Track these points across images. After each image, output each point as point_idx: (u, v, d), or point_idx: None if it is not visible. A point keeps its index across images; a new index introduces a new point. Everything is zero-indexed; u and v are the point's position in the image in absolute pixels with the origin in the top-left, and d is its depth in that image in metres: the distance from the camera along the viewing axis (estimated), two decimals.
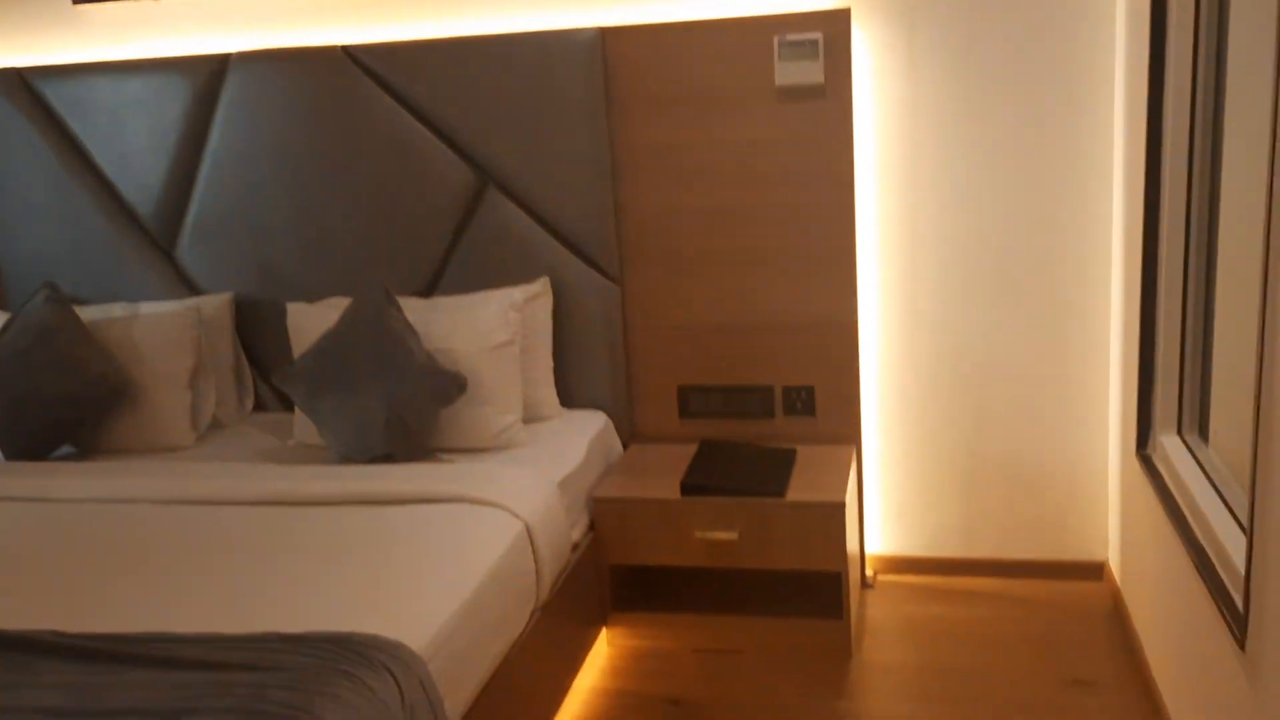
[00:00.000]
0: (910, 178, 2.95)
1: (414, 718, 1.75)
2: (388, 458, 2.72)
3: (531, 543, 2.38)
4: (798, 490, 2.71)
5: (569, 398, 3.12)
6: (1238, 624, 1.85)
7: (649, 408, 3.13)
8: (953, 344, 3.03)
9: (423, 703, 1.78)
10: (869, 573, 3.17)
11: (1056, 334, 2.96)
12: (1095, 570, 3.07)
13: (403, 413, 2.69)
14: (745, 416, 3.07)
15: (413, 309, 2.91)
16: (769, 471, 2.79)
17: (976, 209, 2.93)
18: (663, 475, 2.86)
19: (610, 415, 3.10)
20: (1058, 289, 2.93)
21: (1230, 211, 2.18)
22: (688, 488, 2.73)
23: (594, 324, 3.06)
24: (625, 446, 3.12)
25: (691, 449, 3.01)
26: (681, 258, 3.01)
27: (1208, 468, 2.26)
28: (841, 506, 2.64)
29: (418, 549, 2.19)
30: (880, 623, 2.93)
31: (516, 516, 2.37)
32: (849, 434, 3.02)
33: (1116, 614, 2.88)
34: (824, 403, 3.02)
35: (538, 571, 2.39)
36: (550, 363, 3.04)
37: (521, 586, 2.30)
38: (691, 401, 3.09)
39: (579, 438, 2.89)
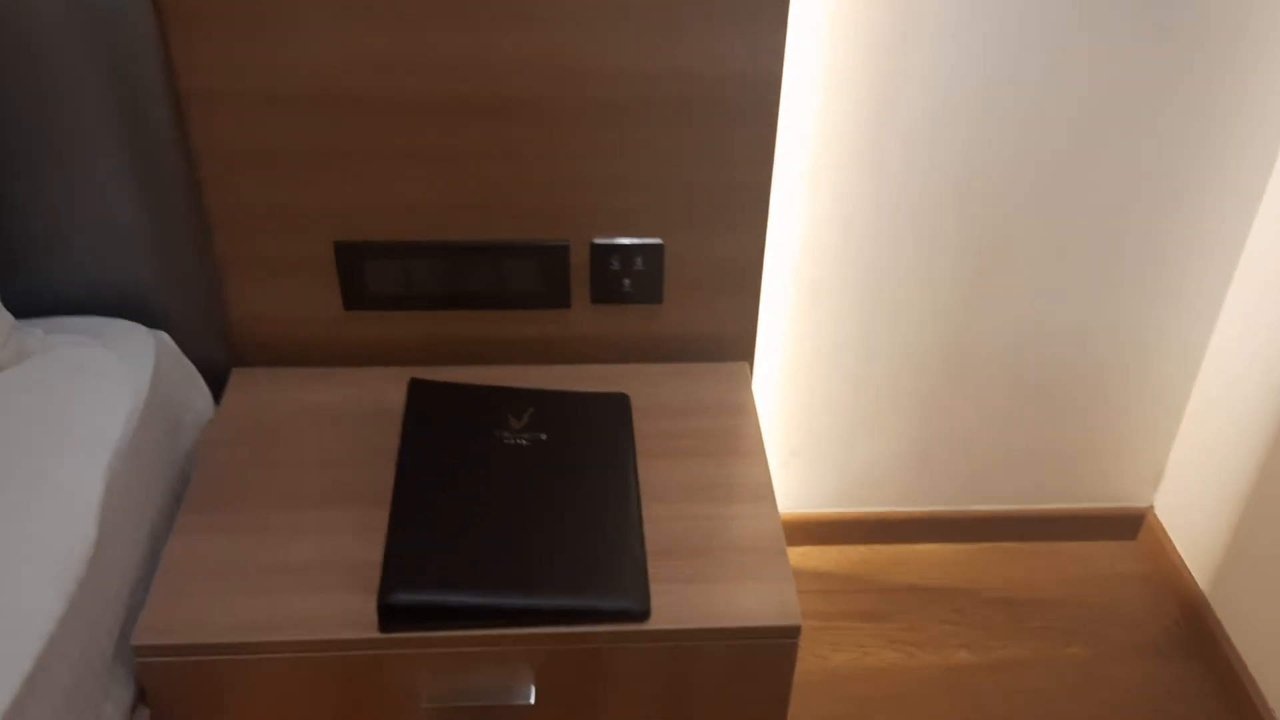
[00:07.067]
0: None
1: None
2: None
3: None
4: (671, 574, 1.08)
5: (40, 292, 1.21)
6: None
7: (267, 292, 1.30)
8: (952, 155, 1.37)
9: None
10: None
11: (1146, 143, 1.37)
12: (1130, 525, 1.74)
13: None
14: (499, 306, 1.33)
15: None
16: (587, 498, 1.13)
17: None
18: (315, 526, 1.12)
19: (170, 324, 1.25)
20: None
21: None
22: (393, 611, 1.02)
23: (83, 84, 1.11)
24: (216, 385, 1.31)
25: (381, 400, 1.26)
26: None
27: None
28: (794, 636, 1.06)
29: None
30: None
31: None
32: (734, 336, 1.37)
33: (1197, 615, 1.59)
34: (683, 273, 1.32)
35: None
36: None
37: None
38: (371, 277, 1.29)
39: (75, 448, 1.05)
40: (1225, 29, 1.30)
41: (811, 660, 1.53)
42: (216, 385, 1.31)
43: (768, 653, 1.05)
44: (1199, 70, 1.33)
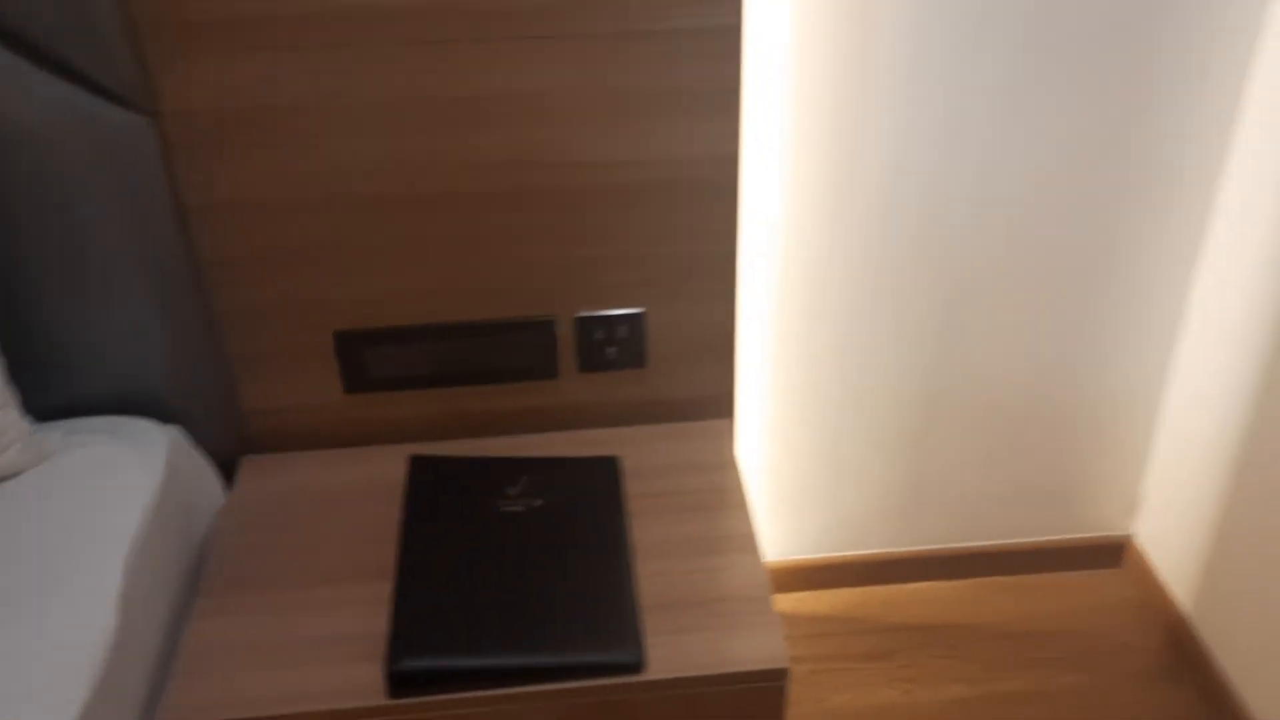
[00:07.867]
0: None
1: None
2: None
3: None
4: (664, 626, 1.14)
5: (60, 394, 1.29)
6: None
7: (273, 382, 1.38)
8: (909, 213, 1.46)
9: None
10: None
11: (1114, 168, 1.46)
12: (1112, 553, 1.80)
13: None
14: (491, 381, 1.40)
15: None
16: (582, 559, 1.19)
17: None
18: (326, 602, 1.19)
19: (183, 419, 1.33)
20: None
21: None
22: (401, 678, 1.09)
23: (96, 207, 1.20)
24: (228, 472, 1.38)
25: (385, 476, 1.34)
26: (315, 18, 1.17)
27: None
28: (782, 678, 1.12)
29: None
30: None
31: None
32: (716, 395, 1.45)
33: (1188, 652, 1.64)
34: (665, 339, 1.40)
35: None
36: None
37: None
38: (370, 361, 1.37)
39: (95, 543, 1.12)
40: (1167, 87, 1.39)
41: (809, 703, 1.58)
42: (229, 472, 1.38)
43: (759, 695, 1.11)
44: (1141, 122, 1.41)
